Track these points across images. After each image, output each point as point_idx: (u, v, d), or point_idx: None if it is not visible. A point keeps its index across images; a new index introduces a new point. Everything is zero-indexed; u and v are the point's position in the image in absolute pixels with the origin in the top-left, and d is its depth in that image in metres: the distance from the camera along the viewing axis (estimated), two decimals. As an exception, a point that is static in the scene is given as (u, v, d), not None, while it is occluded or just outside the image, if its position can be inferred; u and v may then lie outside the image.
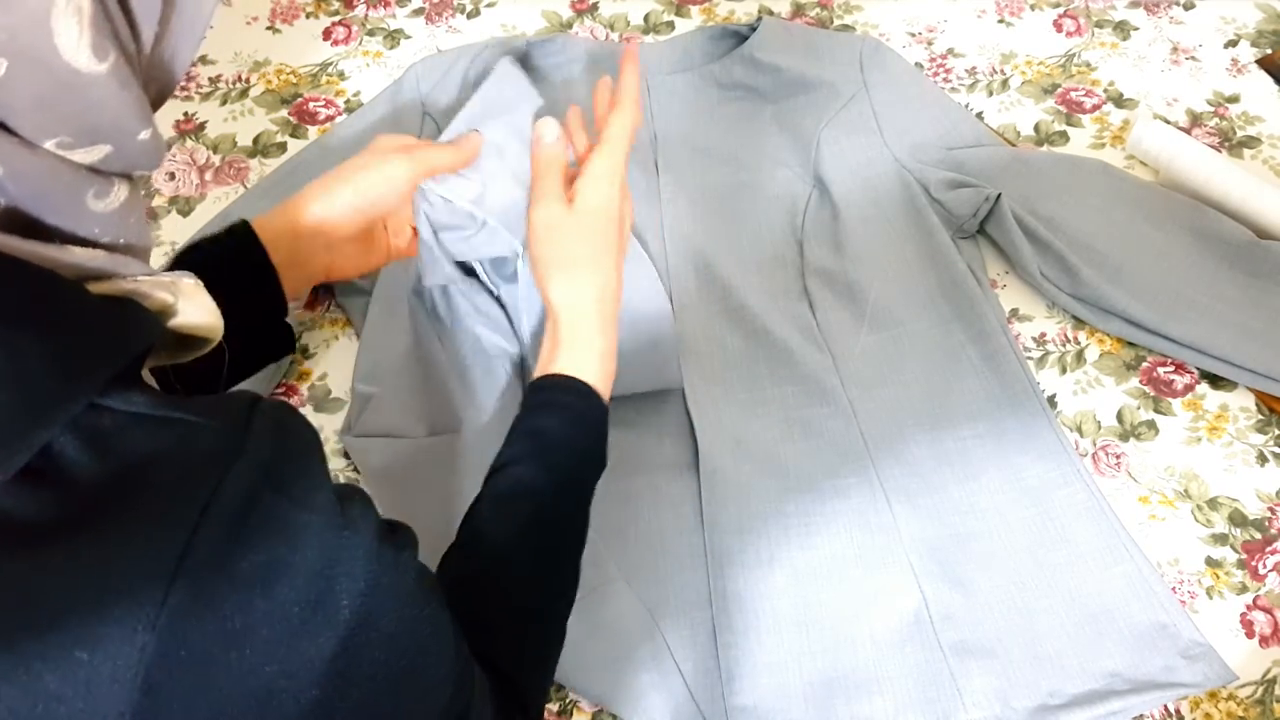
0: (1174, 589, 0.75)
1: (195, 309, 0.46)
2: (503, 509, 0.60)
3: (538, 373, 0.65)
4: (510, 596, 0.58)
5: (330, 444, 0.84)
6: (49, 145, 0.39)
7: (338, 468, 0.83)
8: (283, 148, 1.03)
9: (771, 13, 1.14)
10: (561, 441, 0.62)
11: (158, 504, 0.37)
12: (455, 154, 0.71)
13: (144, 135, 0.42)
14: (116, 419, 0.38)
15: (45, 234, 0.40)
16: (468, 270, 0.82)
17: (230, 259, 0.68)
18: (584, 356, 0.65)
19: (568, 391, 0.63)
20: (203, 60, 1.11)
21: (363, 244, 0.74)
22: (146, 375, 0.50)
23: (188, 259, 0.68)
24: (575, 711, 0.72)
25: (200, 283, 0.47)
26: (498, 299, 0.85)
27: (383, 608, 0.43)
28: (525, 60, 1.04)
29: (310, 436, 0.44)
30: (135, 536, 0.36)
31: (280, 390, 0.87)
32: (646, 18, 1.14)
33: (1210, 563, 0.76)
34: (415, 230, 0.74)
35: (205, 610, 0.36)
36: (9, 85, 0.37)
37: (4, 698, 0.33)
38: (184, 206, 0.99)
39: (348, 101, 1.07)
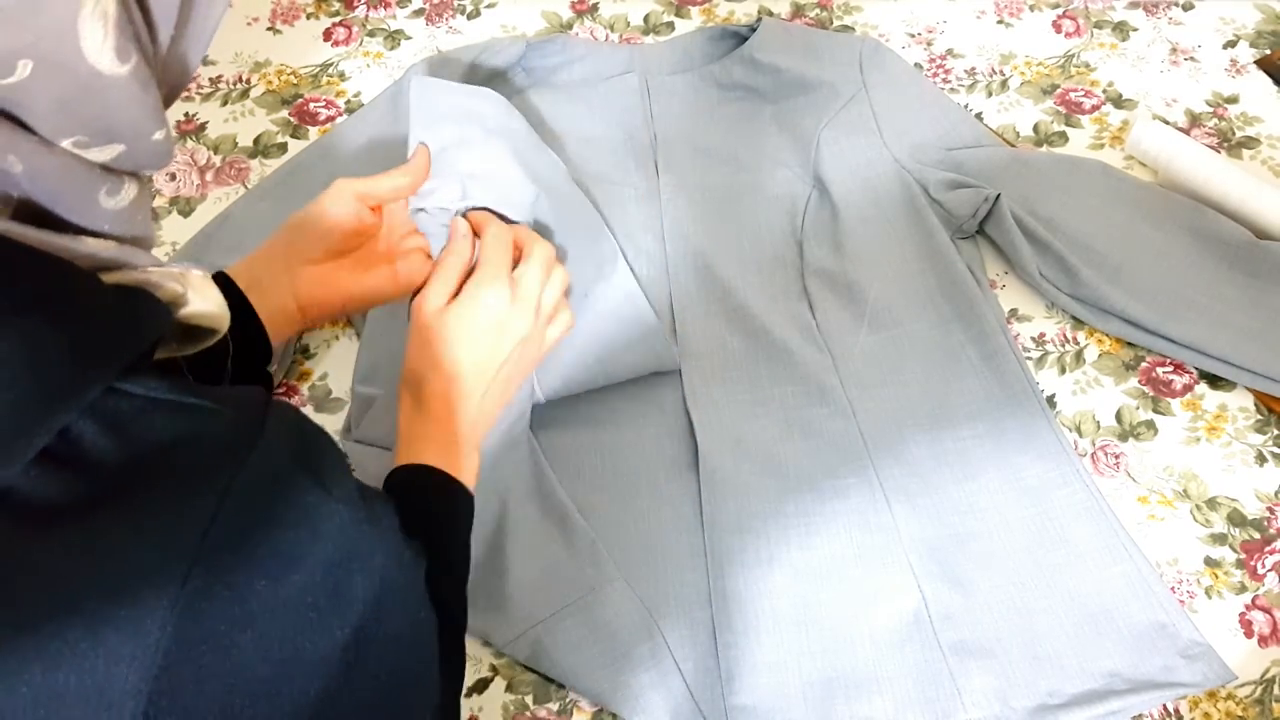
0: (1173, 589, 0.75)
1: (203, 300, 0.47)
2: None
3: (400, 456, 0.65)
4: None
5: (330, 444, 0.84)
6: (65, 144, 0.39)
7: (338, 468, 0.83)
8: (283, 148, 1.04)
9: (771, 13, 1.14)
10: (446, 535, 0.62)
11: (179, 486, 0.38)
12: (405, 175, 0.71)
13: (158, 136, 0.42)
14: (135, 403, 0.39)
15: (59, 225, 0.41)
16: None
17: None
18: (416, 446, 0.64)
19: (421, 476, 0.63)
20: (203, 60, 1.12)
21: (329, 269, 0.73)
22: None
23: None
24: (575, 711, 0.72)
25: (207, 274, 0.48)
26: None
27: (393, 605, 0.43)
28: (522, 61, 1.04)
29: (324, 432, 0.45)
30: (157, 517, 0.37)
31: (280, 390, 0.87)
32: (646, 18, 1.14)
33: (1209, 562, 0.76)
34: (428, 254, 0.74)
35: (224, 591, 0.37)
36: (31, 86, 0.37)
37: (24, 678, 0.34)
38: (184, 207, 0.99)
39: (348, 102, 1.07)
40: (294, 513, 0.39)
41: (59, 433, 0.37)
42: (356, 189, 0.71)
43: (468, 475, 0.65)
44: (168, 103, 0.45)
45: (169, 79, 0.44)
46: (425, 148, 0.72)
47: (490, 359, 0.66)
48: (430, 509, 0.62)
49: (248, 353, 0.70)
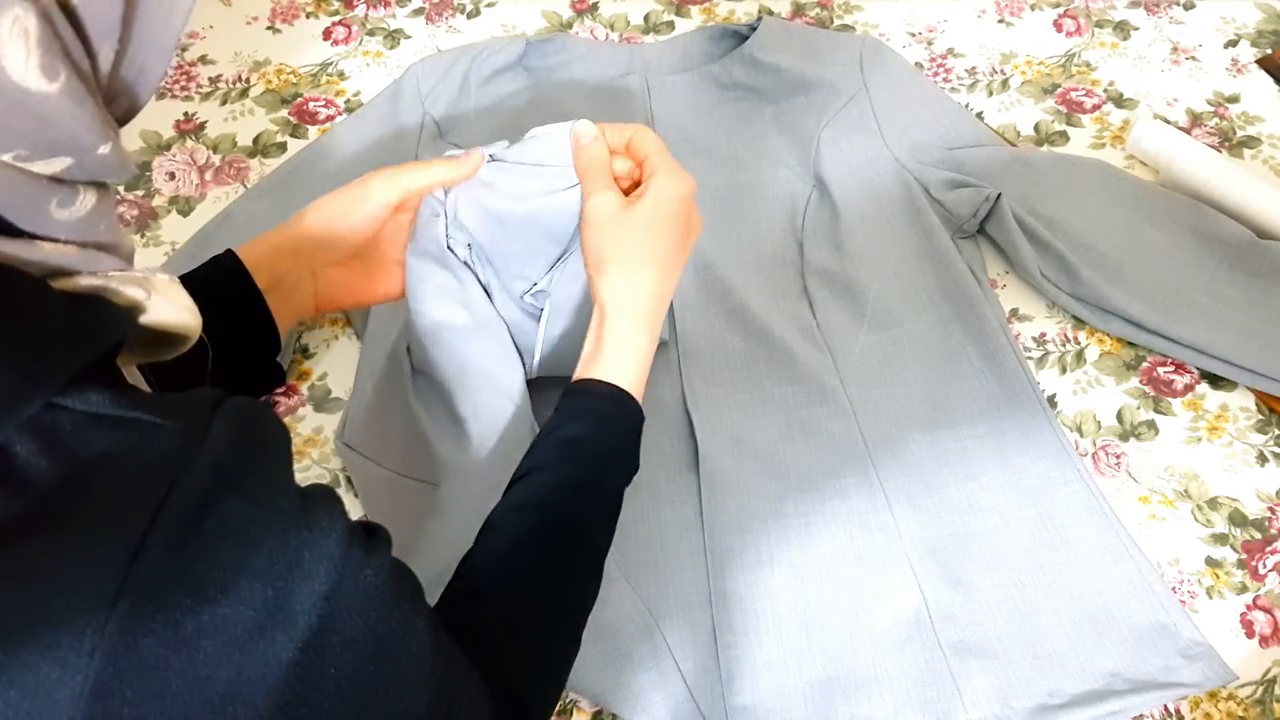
0: (1174, 589, 0.75)
1: (169, 305, 0.46)
2: (523, 517, 0.59)
3: (578, 371, 0.64)
4: (523, 606, 0.56)
5: (330, 444, 0.84)
6: (6, 158, 0.38)
7: (337, 467, 0.83)
8: (283, 148, 1.04)
9: (771, 13, 1.14)
10: (591, 450, 0.61)
11: (110, 506, 0.37)
12: (447, 168, 0.70)
13: (104, 150, 0.41)
14: (74, 419, 0.38)
15: (12, 231, 0.40)
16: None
17: (217, 288, 0.67)
18: (625, 357, 0.64)
19: (603, 399, 0.63)
20: (203, 60, 1.12)
21: (351, 271, 0.73)
22: (136, 373, 0.50)
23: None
24: (575, 711, 0.72)
25: (175, 279, 0.46)
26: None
27: (346, 613, 0.42)
28: (523, 61, 1.04)
29: (276, 435, 0.43)
30: (86, 540, 0.36)
31: (280, 390, 0.87)
32: (646, 18, 1.14)
33: (1210, 562, 0.76)
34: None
35: (156, 615, 0.36)
36: None
37: None
38: (184, 206, 0.99)
39: (348, 101, 1.07)
40: (228, 529, 0.38)
41: None
42: (396, 186, 0.69)
43: (643, 380, 0.65)
44: (127, 118, 0.44)
45: (125, 93, 0.43)
46: (481, 154, 0.71)
47: (670, 251, 0.66)
48: (599, 441, 0.62)
49: (256, 345, 0.69)
